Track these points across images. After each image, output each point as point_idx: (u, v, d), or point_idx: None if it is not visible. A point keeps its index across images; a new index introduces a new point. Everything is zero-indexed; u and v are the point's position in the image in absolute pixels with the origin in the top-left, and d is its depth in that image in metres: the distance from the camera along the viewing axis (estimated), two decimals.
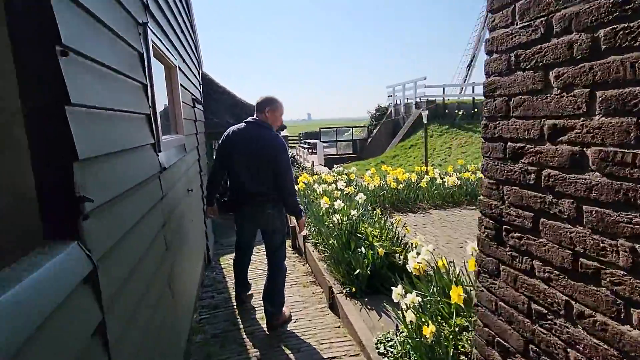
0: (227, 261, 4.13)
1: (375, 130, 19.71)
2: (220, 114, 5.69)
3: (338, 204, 3.37)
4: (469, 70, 21.55)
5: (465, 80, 21.30)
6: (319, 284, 3.38)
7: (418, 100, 16.64)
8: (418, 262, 2.24)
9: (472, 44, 21.40)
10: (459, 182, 5.43)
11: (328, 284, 2.96)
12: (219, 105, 5.93)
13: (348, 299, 2.72)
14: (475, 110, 14.30)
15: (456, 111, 14.93)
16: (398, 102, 19.12)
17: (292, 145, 30.07)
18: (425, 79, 15.73)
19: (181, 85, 3.04)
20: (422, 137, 15.30)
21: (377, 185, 5.23)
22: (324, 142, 20.52)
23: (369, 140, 19.63)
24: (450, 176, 5.70)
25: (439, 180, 5.53)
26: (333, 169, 15.20)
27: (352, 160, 17.40)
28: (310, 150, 23.79)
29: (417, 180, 5.71)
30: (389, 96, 20.70)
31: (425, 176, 5.68)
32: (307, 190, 5.11)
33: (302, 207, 2.82)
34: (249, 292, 3.23)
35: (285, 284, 2.86)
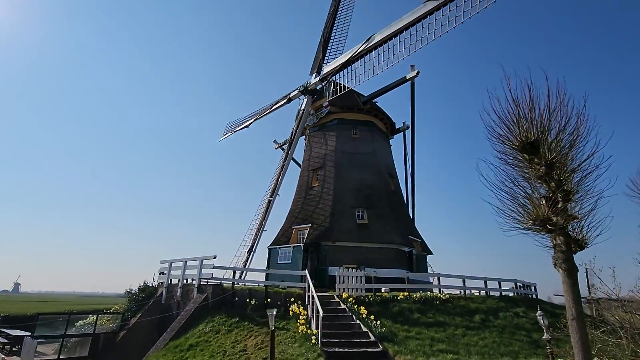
0: None
1: (133, 320, 14.33)
2: None
3: None
4: (249, 255, 21.30)
5: (245, 265, 20.57)
6: None
7: (203, 282, 13.81)
8: None
9: (253, 231, 22.08)
10: None
11: None
12: None
13: None
14: (269, 300, 12.79)
15: (247, 299, 12.93)
16: (175, 282, 15.43)
17: None
18: (215, 257, 13.62)
19: None
20: (205, 333, 11.82)
21: None
22: (39, 337, 12.77)
23: (122, 334, 13.82)
24: None
25: None
26: None
27: None
28: (10, 349, 14.36)
29: None
30: (161, 273, 16.71)
31: None
32: None
33: None
34: None
35: None
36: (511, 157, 6.16)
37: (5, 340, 15.54)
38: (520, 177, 6.14)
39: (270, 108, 27.56)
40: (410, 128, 25.96)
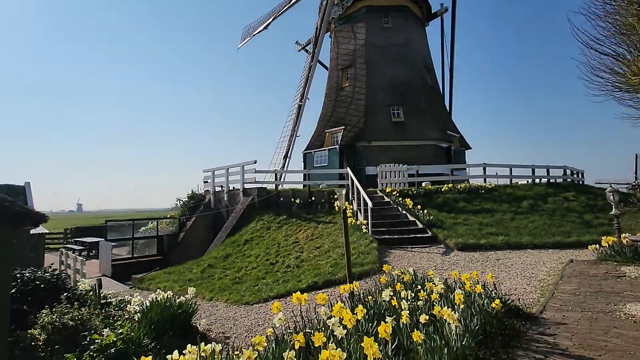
0: None
1: (189, 223, 15.54)
2: None
3: None
4: (285, 160, 21.61)
5: (283, 168, 21.01)
6: None
7: (247, 186, 14.30)
8: None
9: (287, 137, 21.96)
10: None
11: None
12: None
13: None
14: (313, 198, 13.17)
15: (292, 199, 13.40)
16: (219, 189, 16.16)
17: (55, 246, 20.57)
18: (255, 162, 13.80)
19: None
20: (257, 229, 12.64)
21: None
22: (111, 240, 14.29)
23: (182, 235, 15.15)
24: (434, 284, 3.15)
25: (423, 318, 2.86)
26: (133, 283, 9.95)
27: (161, 266, 12.35)
28: (87, 254, 16.41)
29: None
30: (205, 182, 17.47)
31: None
32: None
33: None
34: None
35: None
36: (613, 4, 4.97)
37: (82, 247, 17.67)
38: (622, 30, 5.04)
39: (289, 3, 24.68)
40: (450, 10, 22.72)
